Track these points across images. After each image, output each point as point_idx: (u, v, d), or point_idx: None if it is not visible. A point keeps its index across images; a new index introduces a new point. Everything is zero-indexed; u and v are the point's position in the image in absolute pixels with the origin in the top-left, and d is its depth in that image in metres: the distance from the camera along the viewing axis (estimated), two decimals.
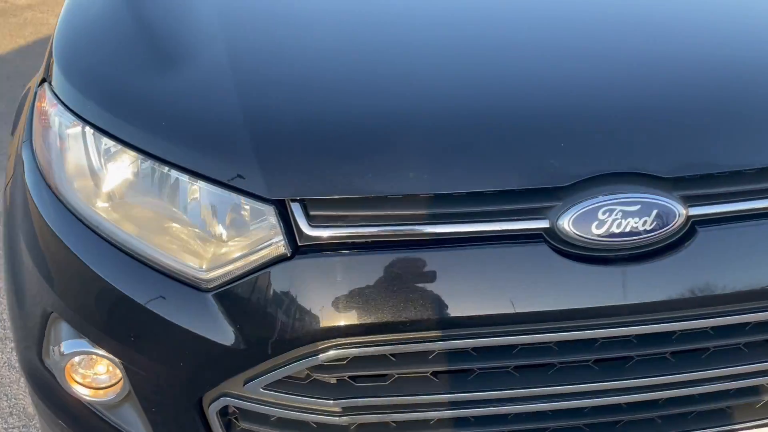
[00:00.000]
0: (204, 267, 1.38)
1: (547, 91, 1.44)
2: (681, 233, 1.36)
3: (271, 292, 1.34)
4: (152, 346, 1.45)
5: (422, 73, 1.48)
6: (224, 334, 1.37)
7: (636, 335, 1.39)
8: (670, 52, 1.55)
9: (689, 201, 1.36)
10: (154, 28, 1.68)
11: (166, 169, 1.41)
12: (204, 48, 1.57)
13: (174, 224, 1.42)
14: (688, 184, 1.36)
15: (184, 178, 1.39)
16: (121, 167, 1.45)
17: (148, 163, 1.42)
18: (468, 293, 1.33)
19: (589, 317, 1.35)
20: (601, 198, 1.33)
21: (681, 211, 1.34)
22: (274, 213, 1.33)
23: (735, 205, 1.38)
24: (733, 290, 1.37)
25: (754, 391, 1.49)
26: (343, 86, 1.45)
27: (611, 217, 1.32)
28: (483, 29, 1.62)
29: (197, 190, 1.39)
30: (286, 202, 1.34)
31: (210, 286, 1.37)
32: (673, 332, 1.40)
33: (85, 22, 1.76)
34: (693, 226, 1.36)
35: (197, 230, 1.40)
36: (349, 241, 1.33)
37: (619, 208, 1.32)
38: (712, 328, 1.40)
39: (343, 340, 1.34)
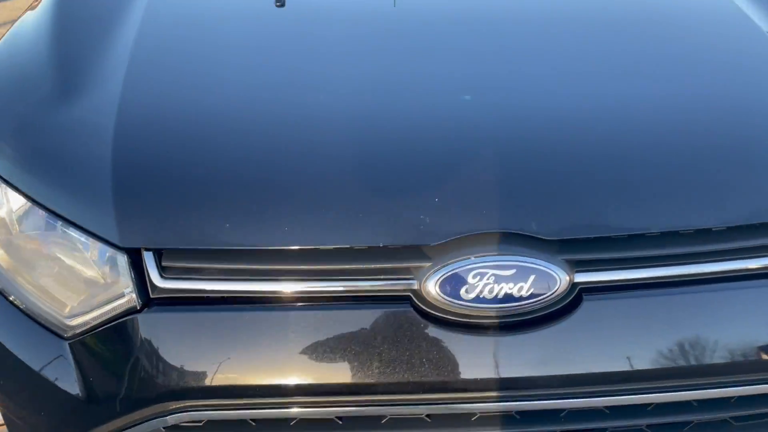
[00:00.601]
0: (67, 313, 1.32)
1: (424, 141, 1.34)
2: (564, 302, 1.22)
3: (120, 345, 1.27)
4: (18, 393, 1.40)
5: (292, 124, 1.39)
6: (78, 386, 1.30)
7: (518, 411, 1.26)
8: (562, 107, 1.42)
9: (576, 266, 1.23)
10: (65, 60, 1.64)
11: (38, 209, 1.36)
12: (103, 84, 1.52)
13: (45, 267, 1.37)
14: (574, 248, 1.23)
15: (53, 220, 1.34)
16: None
17: (22, 202, 1.37)
18: (331, 358, 1.23)
19: (454, 390, 1.22)
20: (472, 260, 1.21)
21: (564, 278, 1.21)
22: (126, 262, 1.26)
23: (628, 273, 1.24)
24: (622, 369, 1.23)
25: None
26: (218, 138, 1.37)
27: (482, 282, 1.20)
28: (362, 82, 1.52)
29: (63, 233, 1.34)
30: (141, 251, 1.27)
31: (69, 334, 1.31)
32: (562, 410, 1.26)
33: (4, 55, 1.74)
34: (579, 294, 1.23)
35: (64, 274, 1.35)
36: (204, 295, 1.25)
37: (491, 271, 1.21)
38: (607, 407, 1.26)
39: (195, 402, 1.26)
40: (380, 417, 1.27)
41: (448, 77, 1.49)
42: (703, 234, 1.25)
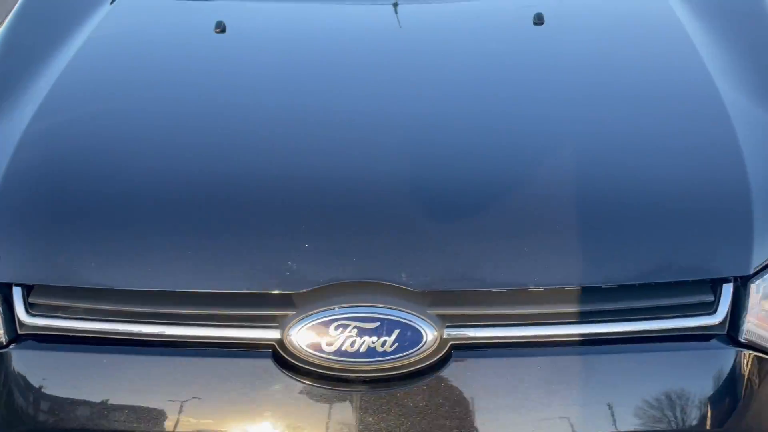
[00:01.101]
0: None
1: (298, 186, 1.29)
2: (434, 359, 1.16)
3: None
4: None
5: (167, 168, 1.36)
6: None
7: None
8: (444, 158, 1.35)
9: (446, 321, 1.16)
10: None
11: None
12: (14, 116, 1.52)
13: None
14: (446, 302, 1.16)
15: None
16: None
17: None
18: (189, 404, 1.19)
19: None
20: (336, 310, 1.15)
21: (432, 333, 1.15)
22: None
23: (503, 330, 1.17)
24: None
25: None
26: (100, 177, 1.36)
27: (345, 334, 1.15)
28: (258, 119, 1.48)
29: None
30: (11, 286, 1.25)
31: None
32: None
33: None
34: (450, 350, 1.16)
35: None
36: (68, 334, 1.22)
37: (354, 324, 1.15)
38: None
39: None
40: None
41: (340, 117, 1.44)
42: (585, 293, 1.17)
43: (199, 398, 1.18)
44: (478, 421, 1.15)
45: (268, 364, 1.17)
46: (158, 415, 1.19)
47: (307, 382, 1.16)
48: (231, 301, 1.18)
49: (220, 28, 1.76)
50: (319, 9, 1.88)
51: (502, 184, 1.28)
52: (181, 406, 1.18)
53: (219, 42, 1.75)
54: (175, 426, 1.18)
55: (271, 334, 1.17)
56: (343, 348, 1.15)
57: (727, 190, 1.27)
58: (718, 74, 1.54)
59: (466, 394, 1.15)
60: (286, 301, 1.18)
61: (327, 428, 1.16)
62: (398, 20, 1.81)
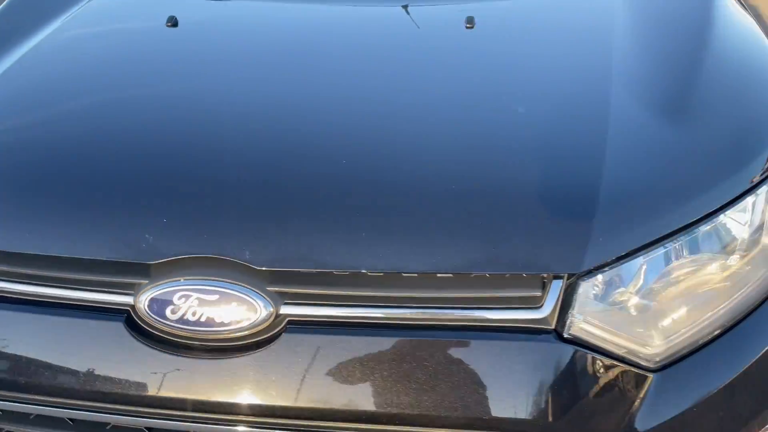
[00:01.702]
0: None
1: (161, 164, 1.39)
2: (268, 333, 1.23)
3: None
4: None
5: (76, 139, 1.48)
6: None
7: None
8: (295, 147, 1.42)
9: (283, 298, 1.24)
10: None
11: None
12: None
13: None
14: (285, 280, 1.24)
15: None
16: None
17: None
18: (49, 362, 1.29)
19: (161, 407, 1.26)
20: (182, 282, 1.25)
21: (267, 308, 1.22)
22: None
23: (338, 310, 1.23)
24: (318, 406, 1.22)
25: None
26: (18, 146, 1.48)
27: (187, 303, 1.23)
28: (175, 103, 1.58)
29: None
30: None
31: None
32: None
33: None
34: (286, 326, 1.23)
35: None
36: None
37: (195, 295, 1.24)
38: None
39: None
40: (70, 420, 1.32)
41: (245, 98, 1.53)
42: (419, 279, 1.23)
43: (58, 355, 1.28)
44: (306, 393, 1.22)
45: (120, 327, 1.26)
46: (19, 369, 1.29)
47: (152, 346, 1.25)
48: (93, 268, 1.29)
49: (172, 22, 1.88)
50: (268, 6, 1.99)
51: (349, 172, 1.34)
52: (41, 363, 1.28)
53: (169, 35, 1.87)
54: (34, 379, 1.29)
55: (126, 300, 1.27)
56: (185, 317, 1.23)
57: (574, 192, 1.30)
58: (621, 82, 1.56)
59: (297, 368, 1.22)
60: (141, 270, 1.27)
61: (166, 390, 1.24)
62: (335, 21, 1.90)
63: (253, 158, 1.38)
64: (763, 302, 1.37)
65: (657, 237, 1.27)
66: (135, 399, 1.26)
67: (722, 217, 1.33)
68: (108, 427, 1.32)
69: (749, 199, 1.37)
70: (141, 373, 1.26)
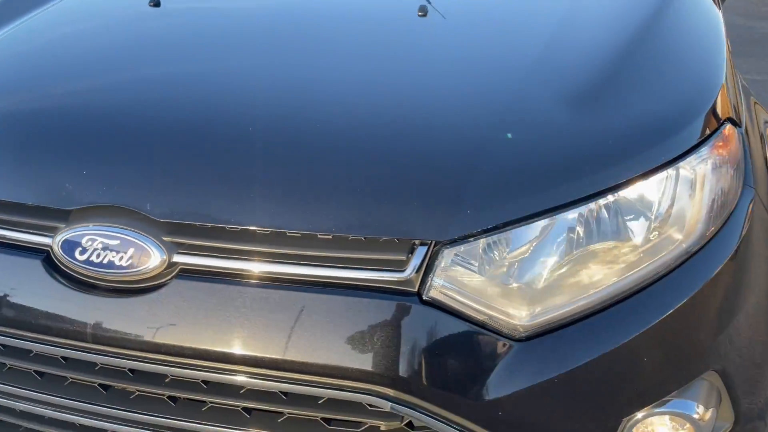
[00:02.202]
0: None
1: (89, 118, 1.52)
2: (162, 279, 1.37)
3: None
4: None
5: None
6: None
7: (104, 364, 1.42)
8: (211, 105, 1.54)
9: (177, 248, 1.37)
10: None
11: None
12: None
13: None
14: (179, 231, 1.37)
15: None
16: None
17: None
18: None
19: (70, 338, 1.40)
20: (91, 227, 1.39)
21: (161, 256, 1.36)
22: None
23: (225, 262, 1.36)
24: (206, 348, 1.34)
25: None
26: None
27: (92, 246, 1.38)
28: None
29: None
30: None
31: None
32: (165, 375, 1.40)
33: None
34: (178, 273, 1.36)
35: None
36: None
37: (100, 239, 1.38)
38: (204, 381, 1.38)
39: None
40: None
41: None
42: (298, 238, 1.34)
43: None
44: (189, 335, 1.35)
45: (38, 265, 1.42)
46: None
47: (64, 283, 1.40)
48: (21, 210, 1.45)
49: (154, 2, 2.04)
50: None
51: (244, 136, 1.46)
52: None
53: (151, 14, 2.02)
54: None
55: (46, 241, 1.43)
56: (91, 258, 1.38)
57: (450, 165, 1.38)
58: (538, 69, 1.63)
59: (183, 311, 1.35)
60: (61, 215, 1.42)
61: (73, 323, 1.39)
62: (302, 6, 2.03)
63: (162, 120, 1.52)
64: (639, 291, 1.41)
65: (527, 214, 1.35)
66: (50, 330, 1.41)
67: (603, 201, 1.39)
68: (31, 355, 1.47)
69: (639, 184, 1.42)
70: (55, 306, 1.41)
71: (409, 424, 1.36)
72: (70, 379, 1.45)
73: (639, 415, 1.47)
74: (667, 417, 1.52)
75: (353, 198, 1.34)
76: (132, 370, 1.41)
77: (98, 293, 1.39)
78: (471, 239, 1.33)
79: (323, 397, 1.35)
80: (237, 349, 1.33)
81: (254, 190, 1.37)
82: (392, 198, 1.34)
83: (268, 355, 1.32)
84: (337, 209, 1.35)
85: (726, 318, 1.52)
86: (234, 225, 1.36)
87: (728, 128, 1.62)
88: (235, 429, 1.38)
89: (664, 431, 1.55)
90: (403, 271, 1.32)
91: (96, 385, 1.44)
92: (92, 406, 1.43)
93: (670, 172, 1.46)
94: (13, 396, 1.48)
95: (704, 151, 1.53)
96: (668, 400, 1.50)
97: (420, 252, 1.32)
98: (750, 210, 1.61)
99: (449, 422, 1.32)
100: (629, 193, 1.42)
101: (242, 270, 1.36)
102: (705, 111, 1.58)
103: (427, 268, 1.32)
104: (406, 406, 1.31)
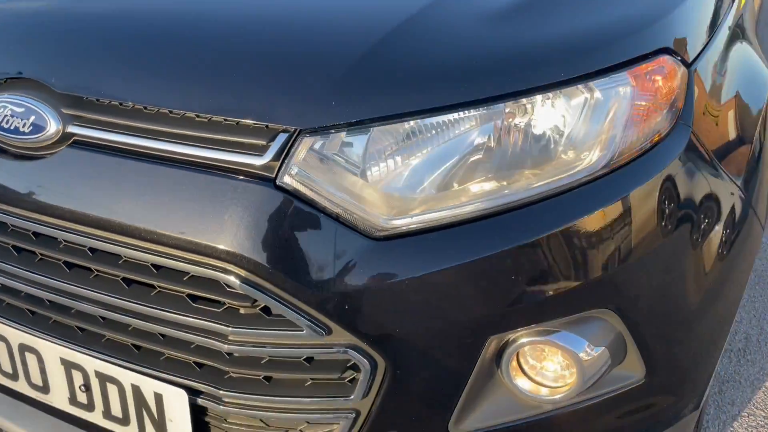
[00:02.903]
0: None
1: None
2: (57, 147, 1.47)
3: None
4: None
5: None
6: None
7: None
8: None
9: (73, 120, 1.46)
10: None
11: None
12: None
13: None
14: (76, 104, 1.46)
15: None
16: None
17: None
18: None
19: None
20: (5, 95, 1.51)
21: (56, 126, 1.46)
22: None
23: (111, 135, 1.44)
24: (83, 212, 1.43)
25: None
26: None
27: (3, 113, 1.50)
28: None
29: None
30: None
31: None
32: (58, 239, 1.50)
33: None
34: (71, 143, 1.46)
35: None
36: None
37: (10, 107, 1.50)
38: (90, 248, 1.48)
39: None
40: None
41: None
42: (174, 118, 1.40)
43: None
44: (74, 199, 1.44)
45: None
46: None
47: None
48: None
49: None
50: None
51: (140, 21, 1.52)
52: None
53: None
54: None
55: None
56: (2, 124, 1.50)
57: (325, 57, 1.38)
58: None
59: (72, 178, 1.45)
60: None
61: None
62: None
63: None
64: (516, 210, 1.38)
65: (394, 113, 1.34)
66: None
67: (480, 111, 1.36)
68: None
69: (524, 100, 1.38)
70: None
71: (267, 311, 1.39)
72: None
73: (522, 340, 1.44)
74: (558, 353, 1.48)
75: (226, 81, 1.38)
76: (35, 233, 1.52)
77: (5, 157, 1.51)
78: (332, 131, 1.34)
79: (188, 273, 1.40)
80: (114, 217, 1.41)
81: (141, 69, 1.44)
82: (261, 84, 1.37)
83: (139, 226, 1.39)
84: (210, 91, 1.39)
85: (624, 256, 1.45)
86: (123, 101, 1.43)
87: (663, 60, 1.53)
88: (115, 298, 1.47)
89: (551, 366, 1.51)
90: (262, 156, 1.34)
91: (10, 246, 1.57)
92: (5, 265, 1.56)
93: (568, 90, 1.40)
94: None
95: (618, 76, 1.45)
96: (556, 331, 1.46)
97: (280, 139, 1.34)
98: (679, 155, 1.52)
99: (295, 308, 1.35)
100: (510, 107, 1.38)
101: (126, 144, 1.43)
102: (628, 36, 1.50)
103: (287, 155, 1.34)
104: (256, 288, 1.34)
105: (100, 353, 1.54)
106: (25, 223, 1.50)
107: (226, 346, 1.40)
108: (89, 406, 1.60)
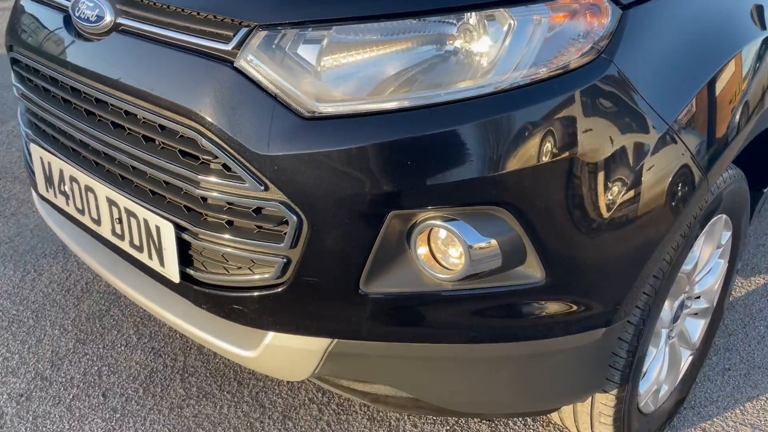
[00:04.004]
0: None
1: None
2: (109, 33, 1.98)
3: None
4: None
5: None
6: None
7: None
8: None
9: (122, 14, 1.96)
10: None
11: None
12: None
13: None
14: (126, 2, 1.96)
15: None
16: None
17: None
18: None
19: (63, 66, 2.09)
20: None
21: (110, 17, 1.97)
22: None
23: (152, 27, 1.91)
24: (130, 86, 1.91)
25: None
26: None
27: (81, 8, 2.03)
28: None
29: None
30: None
31: None
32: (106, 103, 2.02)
33: None
34: (121, 31, 1.96)
35: None
36: None
37: (86, 2, 2.02)
38: (126, 112, 1.98)
39: None
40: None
41: None
42: (180, 13, 1.85)
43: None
44: (118, 70, 1.94)
45: (58, 16, 2.12)
46: None
47: (71, 32, 2.08)
48: None
49: None
50: None
51: None
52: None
53: None
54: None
55: (66, 3, 2.12)
56: (80, 15, 2.03)
57: None
58: None
59: (117, 55, 1.95)
60: None
61: (64, 56, 2.07)
62: None
63: None
64: (430, 108, 1.66)
65: (340, 17, 1.68)
66: (57, 59, 2.11)
67: (414, 20, 1.67)
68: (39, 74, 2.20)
69: (467, 15, 1.66)
70: (66, 47, 2.09)
71: (226, 168, 1.80)
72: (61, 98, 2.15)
73: (427, 222, 1.72)
74: (449, 235, 1.74)
75: None
76: (96, 100, 2.05)
77: (82, 39, 2.05)
78: (282, 28, 1.71)
79: (178, 133, 1.85)
80: (138, 85, 1.89)
81: None
82: None
83: (150, 92, 1.86)
84: None
85: (521, 161, 1.67)
86: (156, 1, 1.90)
87: None
88: (138, 150, 1.95)
89: (454, 252, 1.77)
90: (227, 43, 1.75)
91: (75, 106, 2.12)
92: (71, 118, 2.12)
93: (490, 12, 1.66)
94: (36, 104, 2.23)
95: (537, 7, 1.68)
96: (455, 219, 1.72)
97: (242, 32, 1.74)
98: (593, 84, 1.71)
99: (242, 165, 1.73)
100: (447, 17, 1.67)
101: (149, 32, 1.90)
102: None
103: (245, 45, 1.74)
104: (215, 145, 1.76)
105: (130, 195, 2.03)
106: (93, 92, 2.02)
107: (197, 191, 1.83)
108: (122, 236, 2.11)
